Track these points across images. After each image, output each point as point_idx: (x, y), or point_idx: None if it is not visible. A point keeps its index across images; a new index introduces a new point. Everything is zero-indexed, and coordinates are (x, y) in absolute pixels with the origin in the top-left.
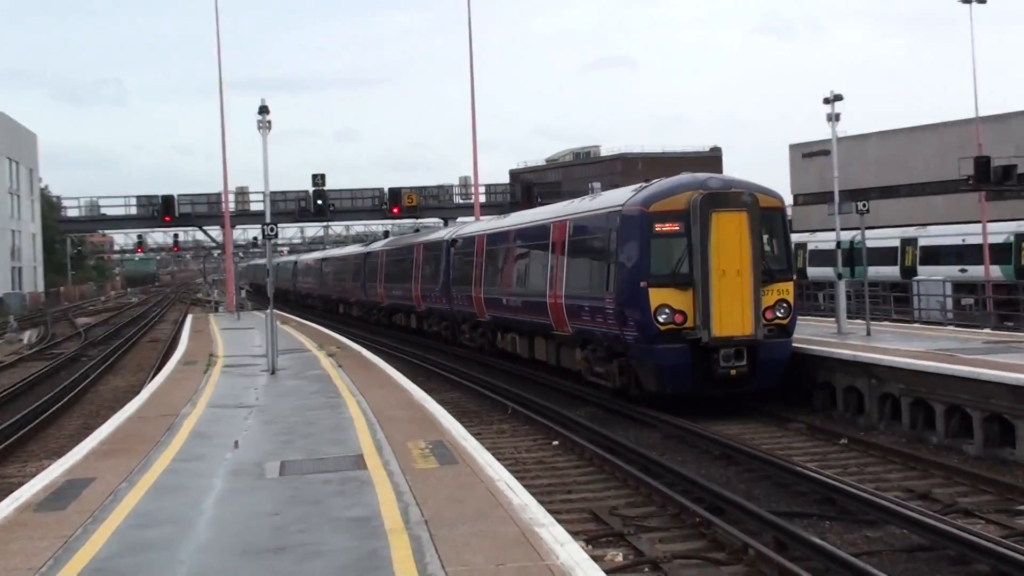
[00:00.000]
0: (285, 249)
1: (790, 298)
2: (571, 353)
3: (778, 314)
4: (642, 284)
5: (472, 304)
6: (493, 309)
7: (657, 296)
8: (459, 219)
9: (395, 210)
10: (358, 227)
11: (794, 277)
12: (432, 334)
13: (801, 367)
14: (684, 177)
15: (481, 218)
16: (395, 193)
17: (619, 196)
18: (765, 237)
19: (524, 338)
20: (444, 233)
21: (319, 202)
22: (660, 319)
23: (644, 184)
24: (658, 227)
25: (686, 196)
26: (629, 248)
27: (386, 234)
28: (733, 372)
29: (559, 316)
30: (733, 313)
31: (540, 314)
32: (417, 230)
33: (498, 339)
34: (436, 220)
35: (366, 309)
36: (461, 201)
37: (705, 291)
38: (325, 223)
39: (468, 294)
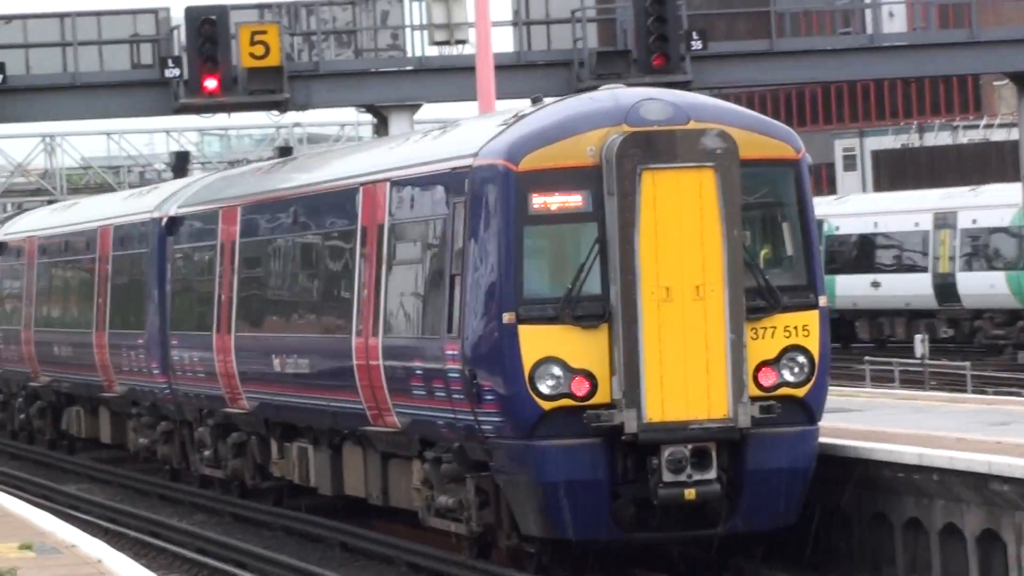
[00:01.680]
0: None
1: (813, 342)
2: (405, 473)
3: (787, 376)
4: (506, 319)
5: (212, 371)
6: (258, 384)
7: (537, 342)
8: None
9: (207, 86)
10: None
11: (822, 301)
12: (145, 455)
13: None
14: (593, 97)
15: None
16: (198, 30)
17: (474, 135)
18: (758, 221)
19: (323, 449)
20: (155, 197)
21: None
22: (543, 388)
23: (522, 111)
24: (538, 201)
25: (594, 137)
26: (482, 245)
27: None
28: (690, 494)
29: (376, 392)
30: (688, 374)
31: (342, 389)
32: (286, 151)
33: (273, 455)
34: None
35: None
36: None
37: (631, 331)
38: None
39: (206, 345)
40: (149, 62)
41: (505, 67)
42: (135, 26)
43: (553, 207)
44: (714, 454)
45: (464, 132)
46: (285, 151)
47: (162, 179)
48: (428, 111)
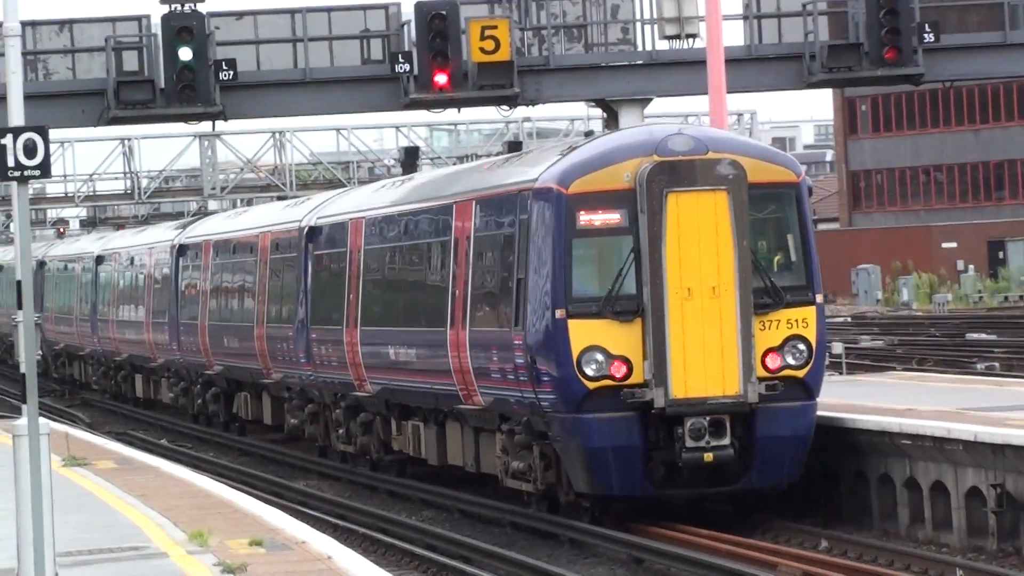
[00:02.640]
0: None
1: (811, 332)
2: (491, 444)
3: (789, 360)
4: (558, 314)
5: (343, 360)
6: (379, 371)
7: (583, 333)
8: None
9: (437, 81)
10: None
11: (819, 298)
12: (296, 433)
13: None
14: (631, 133)
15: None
16: (428, 25)
17: (537, 163)
18: (766, 233)
19: (431, 426)
20: (303, 208)
21: (187, 59)
22: (588, 371)
23: (575, 143)
24: (584, 218)
25: (630, 166)
26: (539, 253)
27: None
28: (708, 457)
29: (466, 375)
30: (707, 359)
31: (440, 374)
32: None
33: (393, 432)
34: (571, 119)
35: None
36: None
37: (659, 324)
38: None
39: (338, 338)
40: (379, 57)
41: (735, 61)
42: (365, 22)
43: (596, 223)
44: (728, 424)
45: (531, 159)
46: (514, 146)
47: (391, 174)
48: (658, 105)
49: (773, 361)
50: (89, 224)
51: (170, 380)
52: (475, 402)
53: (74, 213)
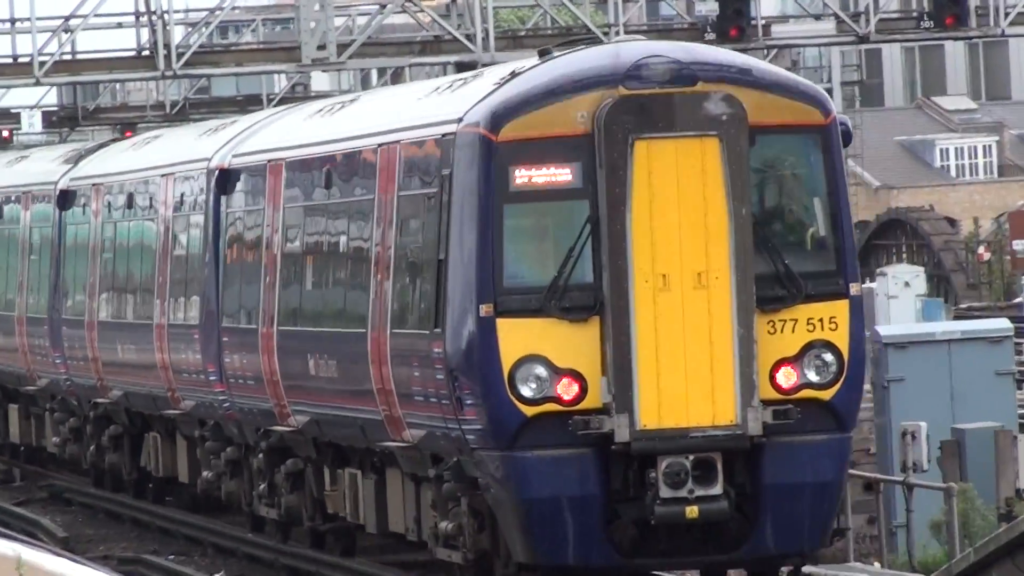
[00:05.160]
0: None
1: (842, 337)
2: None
3: (810, 375)
4: (483, 311)
5: (260, 377)
6: (301, 394)
7: (518, 338)
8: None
9: None
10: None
11: (855, 289)
12: (213, 493)
13: None
14: (591, 54)
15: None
16: None
17: (469, 94)
18: (779, 197)
19: (369, 476)
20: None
21: None
22: (524, 391)
23: (520, 67)
24: (521, 175)
25: (587, 101)
26: (460, 226)
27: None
28: (692, 512)
29: (388, 396)
30: (689, 374)
31: (363, 396)
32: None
33: (326, 486)
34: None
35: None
36: None
37: (622, 325)
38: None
39: (253, 343)
40: None
41: None
42: None
43: (538, 182)
44: (719, 466)
45: (467, 89)
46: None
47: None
48: None
49: (787, 378)
50: (63, 122)
51: (55, 415)
52: (403, 437)
53: (32, 98)
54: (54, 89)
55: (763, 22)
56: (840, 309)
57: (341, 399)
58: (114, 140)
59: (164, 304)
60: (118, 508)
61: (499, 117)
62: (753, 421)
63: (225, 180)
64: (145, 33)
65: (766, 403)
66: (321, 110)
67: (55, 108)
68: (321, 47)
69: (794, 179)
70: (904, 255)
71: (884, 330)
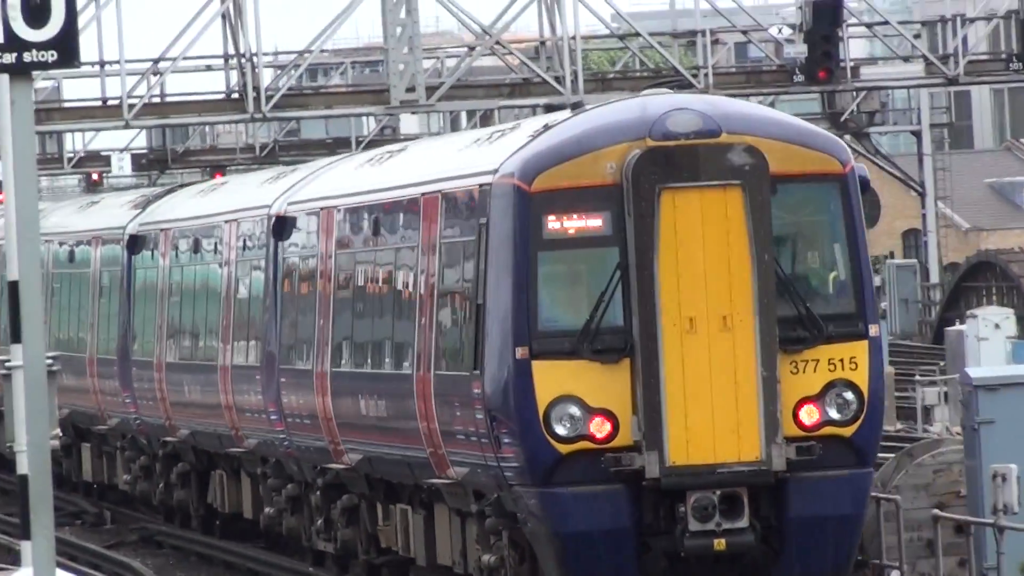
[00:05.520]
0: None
1: (862, 376)
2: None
3: (832, 413)
4: (519, 353)
5: (315, 416)
6: (354, 433)
7: (552, 379)
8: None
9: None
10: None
11: (874, 330)
12: (275, 529)
13: None
14: (619, 108)
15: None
16: None
17: (504, 146)
18: (801, 243)
19: (418, 511)
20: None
21: None
22: (559, 429)
23: (553, 120)
24: (553, 224)
25: (615, 153)
26: (497, 272)
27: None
28: (720, 545)
29: (433, 435)
30: (716, 413)
31: (410, 435)
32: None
33: (379, 521)
34: None
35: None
36: None
37: (651, 366)
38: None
39: (308, 383)
40: None
41: None
42: None
43: (570, 230)
44: (745, 500)
45: (503, 141)
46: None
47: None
48: None
49: (809, 415)
50: (152, 165)
51: (125, 453)
52: (447, 474)
53: (122, 141)
54: (143, 132)
55: (852, 64)
56: (860, 349)
57: (390, 437)
58: (181, 186)
59: (228, 346)
60: (209, 551)
61: (532, 168)
62: (777, 457)
63: (281, 227)
64: (234, 76)
65: (790, 440)
66: (371, 159)
67: (144, 151)
68: (410, 89)
69: (814, 226)
70: (994, 297)
71: (974, 372)
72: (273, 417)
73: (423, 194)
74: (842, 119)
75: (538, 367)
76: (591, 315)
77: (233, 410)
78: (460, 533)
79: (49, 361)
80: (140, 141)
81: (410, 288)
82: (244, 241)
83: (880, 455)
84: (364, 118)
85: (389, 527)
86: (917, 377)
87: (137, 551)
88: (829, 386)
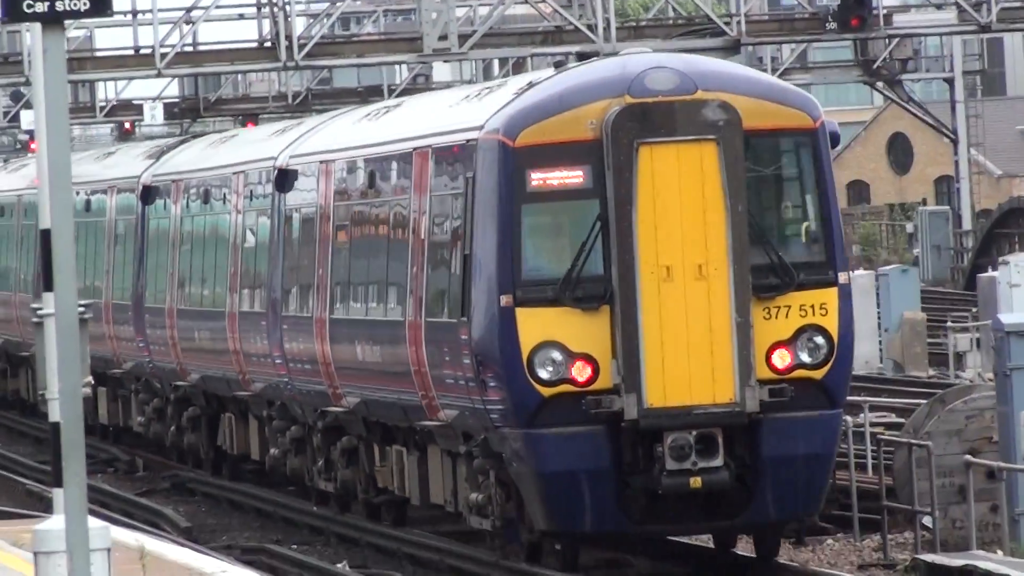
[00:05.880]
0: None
1: (832, 321)
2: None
3: (803, 357)
4: (503, 301)
5: (315, 361)
6: (352, 377)
7: (536, 325)
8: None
9: None
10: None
11: (843, 278)
12: (279, 468)
13: None
14: (600, 66)
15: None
16: None
17: (490, 103)
18: (773, 194)
19: (412, 453)
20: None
21: None
22: (542, 373)
23: (536, 78)
24: (537, 178)
25: (596, 109)
26: (483, 224)
27: None
28: (696, 483)
29: (424, 378)
30: (692, 357)
31: (403, 378)
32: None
33: (376, 462)
34: None
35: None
36: None
37: (630, 312)
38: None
39: (308, 330)
40: None
41: None
42: None
43: (552, 183)
44: (720, 440)
45: (491, 98)
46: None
47: None
48: None
49: (781, 359)
50: (184, 114)
51: (139, 396)
52: (438, 417)
53: (154, 89)
54: (176, 81)
55: (884, 11)
56: (830, 296)
57: (384, 382)
58: (194, 136)
59: (235, 293)
60: (241, 498)
61: (516, 124)
62: (751, 399)
63: (284, 179)
64: (267, 24)
65: (762, 382)
66: (369, 114)
67: (177, 100)
68: (443, 37)
69: (786, 178)
70: None
71: (1006, 318)
72: (277, 362)
73: (415, 148)
74: (875, 66)
75: (522, 314)
76: (572, 264)
77: (240, 355)
78: (451, 473)
79: (81, 309)
80: (172, 90)
81: (402, 238)
82: (250, 192)
83: (912, 401)
84: (396, 66)
85: (386, 468)
86: (949, 324)
87: (169, 498)
88: (800, 331)
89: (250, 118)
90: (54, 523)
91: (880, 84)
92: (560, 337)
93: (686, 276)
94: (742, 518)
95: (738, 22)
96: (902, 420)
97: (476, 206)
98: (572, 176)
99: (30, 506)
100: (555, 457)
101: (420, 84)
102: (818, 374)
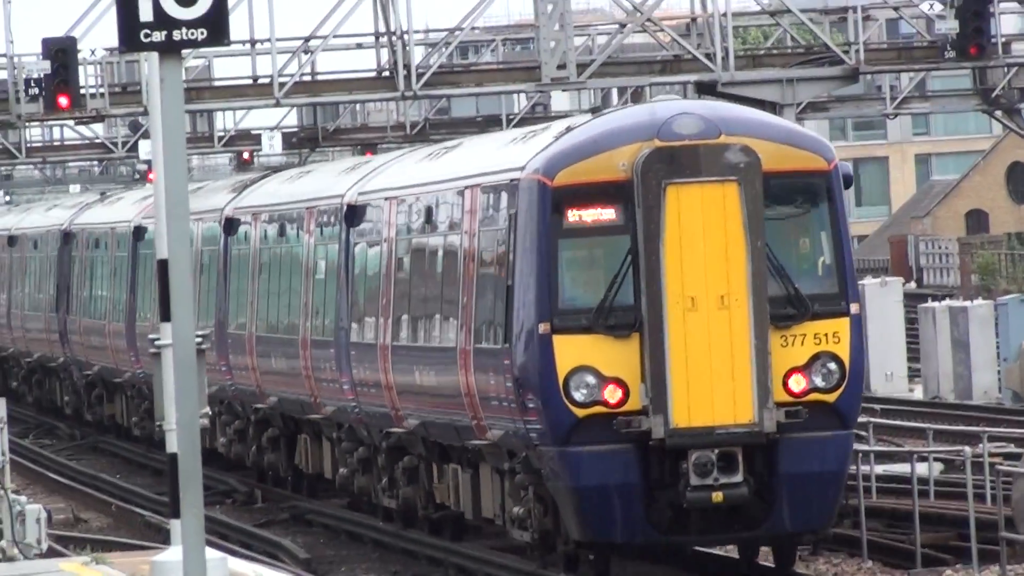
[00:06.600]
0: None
1: (844, 349)
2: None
3: (817, 381)
4: (541, 328)
5: (379, 385)
6: (412, 399)
7: (571, 351)
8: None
9: None
10: None
11: (855, 308)
12: (348, 487)
13: None
14: (631, 112)
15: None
16: None
17: (531, 146)
18: (791, 231)
19: (466, 470)
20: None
21: None
22: (577, 396)
23: (573, 123)
24: (573, 215)
25: (627, 152)
26: (523, 257)
27: None
28: (718, 497)
29: (473, 400)
30: (714, 381)
31: (455, 402)
32: None
33: (435, 480)
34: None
35: None
36: None
37: (657, 339)
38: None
39: (374, 357)
40: None
41: None
42: None
43: (587, 220)
44: (740, 458)
45: (534, 141)
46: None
47: None
48: None
49: (797, 383)
50: (302, 143)
51: (222, 418)
52: (486, 437)
53: (272, 119)
54: (294, 110)
55: (1003, 40)
56: (842, 325)
57: (440, 404)
58: (275, 170)
59: (307, 321)
60: (360, 530)
61: (554, 166)
62: (769, 420)
63: (352, 214)
64: (385, 54)
65: (780, 405)
66: (431, 154)
67: (295, 129)
68: (561, 66)
69: (802, 216)
70: None
71: None
72: (345, 386)
73: (466, 187)
74: (993, 95)
75: (559, 341)
76: (605, 295)
77: (312, 379)
78: (500, 489)
79: (199, 339)
80: (291, 119)
81: (455, 270)
82: (322, 226)
83: None
84: (515, 95)
85: (443, 485)
86: None
87: (288, 529)
88: (815, 357)
89: (368, 148)
90: (172, 554)
91: (999, 113)
92: (593, 362)
93: (709, 306)
94: (761, 530)
95: (856, 51)
96: (1021, 450)
97: (518, 240)
98: (605, 213)
99: (149, 537)
100: (588, 473)
101: (539, 113)
102: (831, 397)
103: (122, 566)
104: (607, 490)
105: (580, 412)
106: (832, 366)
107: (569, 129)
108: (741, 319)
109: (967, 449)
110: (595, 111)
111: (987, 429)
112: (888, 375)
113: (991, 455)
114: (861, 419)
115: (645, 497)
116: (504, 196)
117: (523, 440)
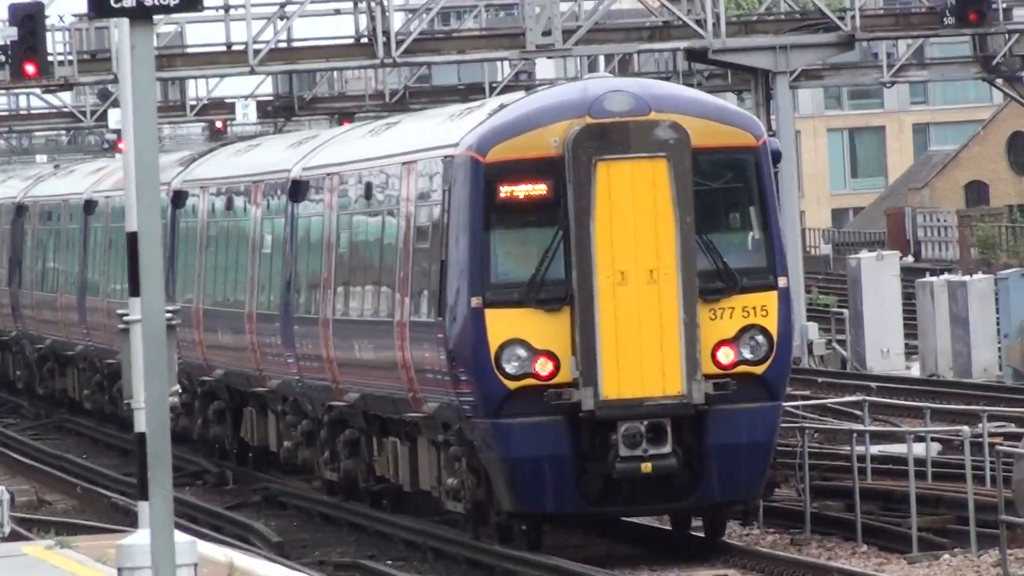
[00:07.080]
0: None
1: (772, 322)
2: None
3: (745, 354)
4: (473, 302)
5: (321, 358)
6: (352, 373)
7: (503, 324)
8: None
9: None
10: None
11: (783, 282)
12: (292, 460)
13: None
14: (563, 90)
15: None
16: None
17: (466, 123)
18: (720, 206)
19: (405, 443)
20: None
21: None
22: (508, 368)
23: (507, 100)
24: (505, 191)
25: (559, 129)
26: (456, 232)
27: None
28: (646, 468)
29: (409, 373)
30: (643, 353)
31: (392, 375)
32: None
33: (374, 452)
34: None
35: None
36: None
37: (588, 313)
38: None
39: (315, 331)
40: None
41: None
42: None
43: (519, 196)
44: (669, 429)
45: (469, 118)
46: None
47: None
48: None
49: (726, 356)
50: (278, 112)
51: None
52: (423, 409)
53: (247, 87)
54: (269, 78)
55: (1004, 6)
56: (770, 299)
57: (378, 378)
58: (223, 145)
59: (254, 295)
60: (334, 512)
61: (487, 142)
62: (697, 392)
63: (297, 189)
64: (363, 20)
65: (708, 377)
66: (372, 130)
67: (270, 98)
68: (546, 33)
69: (731, 191)
70: None
71: None
72: (289, 360)
73: (403, 163)
74: (994, 63)
75: (490, 314)
76: (536, 269)
77: (258, 353)
78: (436, 462)
79: (168, 315)
80: (266, 88)
81: (393, 245)
82: (268, 201)
83: None
84: (498, 63)
85: (383, 458)
86: None
87: (260, 512)
88: (743, 330)
89: (346, 117)
90: (139, 538)
91: (999, 81)
92: (525, 335)
93: (639, 280)
94: (690, 500)
95: (852, 17)
96: (1022, 430)
97: (451, 216)
98: (537, 189)
99: (116, 520)
100: (520, 444)
101: (523, 81)
102: (759, 370)
103: (88, 550)
104: (538, 461)
105: (511, 384)
106: (760, 339)
107: (502, 106)
108: (670, 293)
109: (966, 429)
110: (528, 89)
111: (987, 408)
112: (884, 352)
113: (991, 435)
114: (856, 397)
115: (576, 468)
116: (439, 172)
117: (457, 412)
